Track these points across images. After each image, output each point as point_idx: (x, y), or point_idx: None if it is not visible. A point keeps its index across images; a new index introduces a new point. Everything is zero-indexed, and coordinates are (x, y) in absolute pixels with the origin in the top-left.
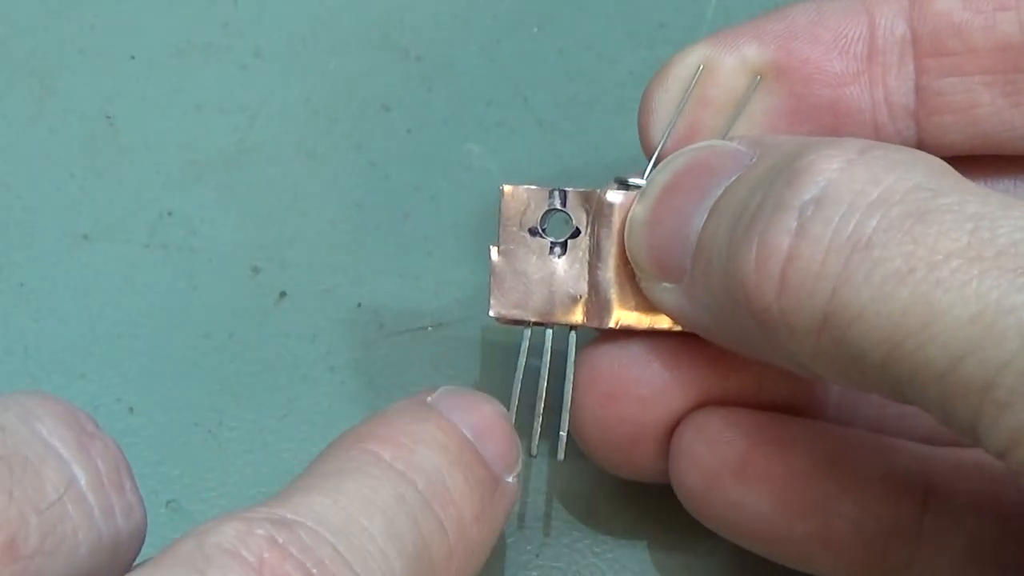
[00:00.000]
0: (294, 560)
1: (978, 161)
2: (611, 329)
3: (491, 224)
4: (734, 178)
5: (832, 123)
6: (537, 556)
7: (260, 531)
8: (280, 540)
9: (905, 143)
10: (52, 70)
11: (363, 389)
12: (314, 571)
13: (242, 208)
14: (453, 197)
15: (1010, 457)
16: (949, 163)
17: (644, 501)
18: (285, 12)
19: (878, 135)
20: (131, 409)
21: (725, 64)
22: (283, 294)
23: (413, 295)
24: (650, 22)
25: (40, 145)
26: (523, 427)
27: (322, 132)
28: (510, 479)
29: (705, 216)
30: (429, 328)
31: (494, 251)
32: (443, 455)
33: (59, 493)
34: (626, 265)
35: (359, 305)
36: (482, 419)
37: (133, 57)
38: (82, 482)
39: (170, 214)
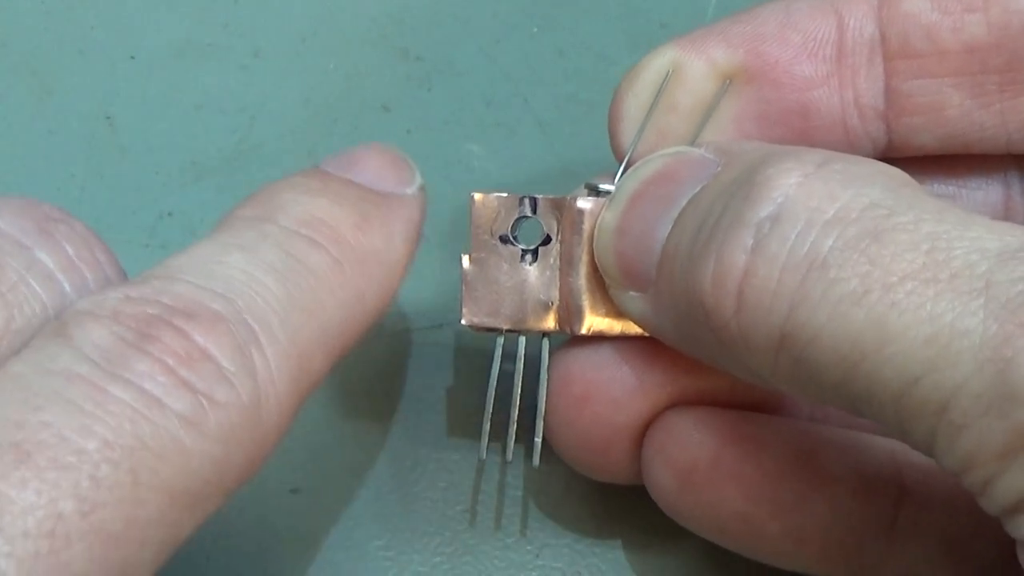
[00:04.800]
0: (150, 301)
1: (949, 161)
2: (583, 335)
3: None
4: (699, 188)
5: (802, 126)
6: (537, 556)
7: (113, 294)
8: (134, 294)
9: (875, 145)
10: (52, 70)
11: (363, 389)
12: (167, 301)
13: None
14: (453, 197)
15: (966, 477)
16: (920, 163)
17: (646, 501)
18: (285, 12)
19: (848, 137)
20: None
21: (694, 69)
22: None
23: (413, 295)
24: (650, 22)
25: (40, 145)
26: (497, 434)
27: (322, 132)
28: (409, 191)
29: (671, 226)
30: (429, 328)
31: (465, 259)
32: (303, 192)
33: (20, 275)
34: (597, 272)
35: None
36: (349, 153)
37: (133, 57)
38: (49, 264)
39: (170, 214)
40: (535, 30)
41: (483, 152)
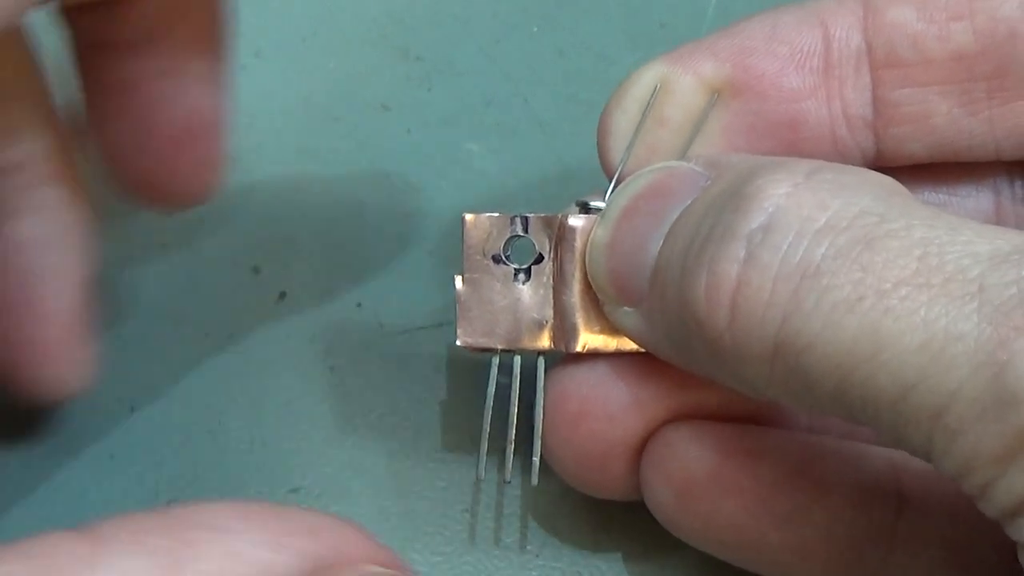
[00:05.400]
0: None
1: (938, 168)
2: (578, 352)
3: None
4: (689, 202)
5: (791, 138)
6: (537, 556)
7: None
8: None
9: (864, 155)
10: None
11: (363, 389)
12: None
13: (242, 208)
14: (453, 197)
15: (964, 482)
16: (910, 172)
17: (647, 506)
18: (285, 12)
19: (837, 148)
20: (131, 409)
21: (681, 83)
22: (283, 294)
23: (413, 295)
24: (650, 22)
25: None
26: (496, 453)
27: (322, 132)
28: None
29: (662, 240)
30: (429, 328)
31: (459, 280)
32: None
33: None
34: (590, 289)
35: (359, 305)
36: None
37: None
38: None
39: (170, 214)
40: (535, 30)
41: (483, 152)
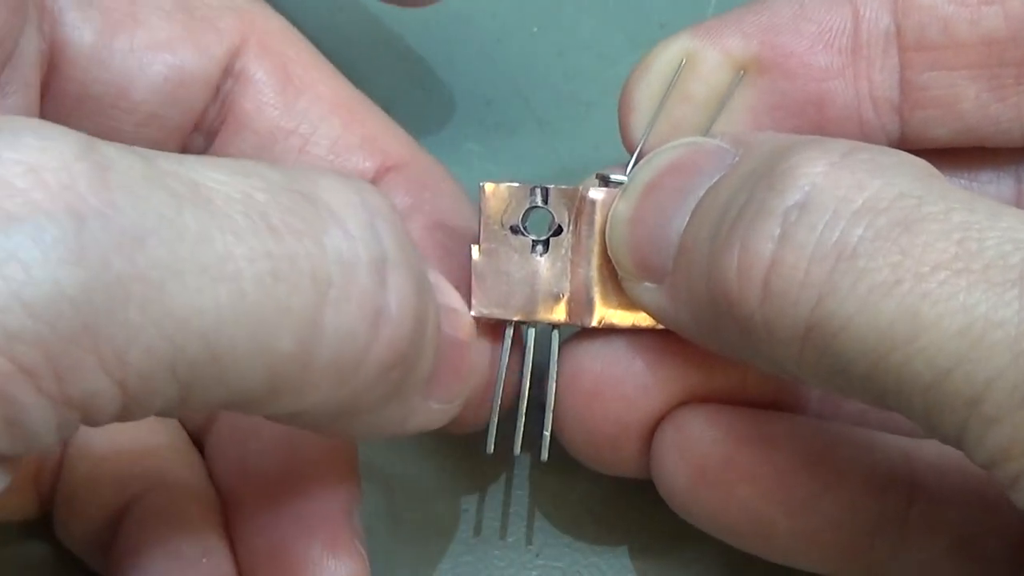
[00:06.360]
0: None
1: (960, 153)
2: (594, 327)
3: None
4: (717, 178)
5: (816, 118)
6: (537, 556)
7: None
8: None
9: (889, 137)
10: None
11: None
12: None
13: None
14: None
15: (997, 470)
16: (932, 156)
17: (646, 500)
18: (285, 12)
19: (862, 130)
20: None
21: (708, 59)
22: None
23: None
24: (650, 22)
25: None
26: (506, 427)
27: None
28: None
29: (687, 217)
30: None
31: (475, 250)
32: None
33: None
34: (609, 263)
35: None
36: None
37: None
38: None
39: None
40: (535, 30)
41: (483, 152)
